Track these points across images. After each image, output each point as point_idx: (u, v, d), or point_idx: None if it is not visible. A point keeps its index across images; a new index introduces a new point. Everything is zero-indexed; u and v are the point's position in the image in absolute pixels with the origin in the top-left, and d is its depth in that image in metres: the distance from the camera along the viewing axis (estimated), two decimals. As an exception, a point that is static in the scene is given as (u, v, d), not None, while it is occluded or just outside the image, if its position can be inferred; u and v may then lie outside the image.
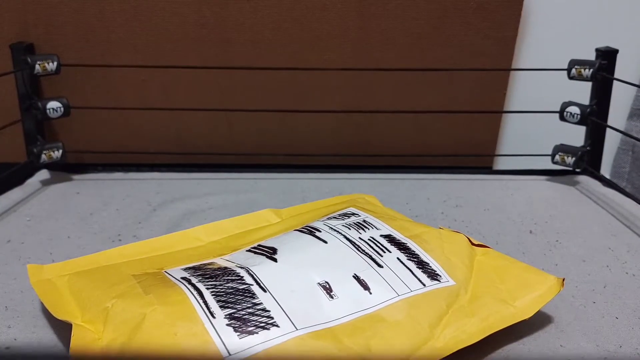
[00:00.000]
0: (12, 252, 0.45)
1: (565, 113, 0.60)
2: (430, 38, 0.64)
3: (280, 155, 0.67)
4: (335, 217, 0.42)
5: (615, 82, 0.59)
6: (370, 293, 0.34)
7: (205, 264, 0.36)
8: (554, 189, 0.60)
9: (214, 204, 0.55)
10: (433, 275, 0.36)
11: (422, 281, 0.35)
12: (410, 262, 0.37)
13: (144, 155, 0.67)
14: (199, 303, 0.31)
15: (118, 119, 0.66)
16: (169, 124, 0.66)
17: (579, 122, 0.60)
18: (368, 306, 0.33)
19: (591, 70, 0.58)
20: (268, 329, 0.30)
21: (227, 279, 0.33)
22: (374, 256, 0.37)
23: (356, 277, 0.35)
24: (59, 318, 0.33)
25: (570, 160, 0.60)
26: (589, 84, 0.61)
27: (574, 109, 0.60)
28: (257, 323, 0.30)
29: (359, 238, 0.38)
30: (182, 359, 0.28)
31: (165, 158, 0.67)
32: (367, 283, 0.34)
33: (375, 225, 0.41)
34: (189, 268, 0.36)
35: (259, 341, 0.29)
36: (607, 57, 0.59)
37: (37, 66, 0.56)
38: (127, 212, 0.53)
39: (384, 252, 0.37)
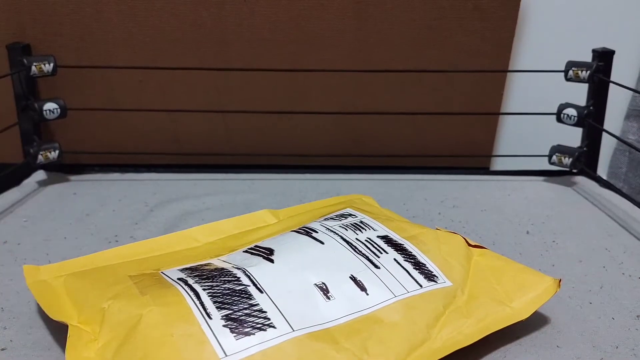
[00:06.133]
0: (8, 253, 0.45)
1: (562, 115, 0.60)
2: (427, 39, 0.64)
3: (277, 155, 0.67)
4: (332, 218, 0.42)
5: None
6: (367, 294, 0.34)
7: (202, 265, 0.36)
8: (551, 189, 0.60)
9: (211, 205, 0.55)
10: (430, 276, 0.36)
11: (419, 282, 0.35)
12: (407, 263, 0.37)
13: (141, 155, 0.67)
14: (195, 304, 0.31)
15: (115, 119, 0.66)
16: (166, 125, 0.66)
17: (576, 124, 0.60)
18: (365, 307, 0.33)
19: (588, 72, 0.58)
20: (265, 330, 0.30)
21: (224, 280, 0.33)
22: (370, 257, 0.37)
23: (353, 278, 0.35)
24: (55, 319, 0.33)
25: (567, 161, 0.61)
26: (585, 85, 0.61)
27: (571, 111, 0.60)
28: (254, 324, 0.30)
29: (356, 239, 0.38)
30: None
31: (163, 159, 0.67)
32: (364, 284, 0.34)
33: (372, 226, 0.41)
34: (186, 269, 0.36)
35: (256, 342, 0.29)
36: (603, 58, 0.59)
37: (33, 67, 0.56)
38: (124, 213, 0.53)
39: (381, 253, 0.37)
